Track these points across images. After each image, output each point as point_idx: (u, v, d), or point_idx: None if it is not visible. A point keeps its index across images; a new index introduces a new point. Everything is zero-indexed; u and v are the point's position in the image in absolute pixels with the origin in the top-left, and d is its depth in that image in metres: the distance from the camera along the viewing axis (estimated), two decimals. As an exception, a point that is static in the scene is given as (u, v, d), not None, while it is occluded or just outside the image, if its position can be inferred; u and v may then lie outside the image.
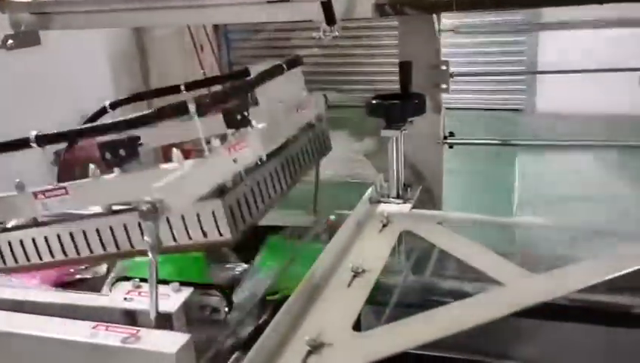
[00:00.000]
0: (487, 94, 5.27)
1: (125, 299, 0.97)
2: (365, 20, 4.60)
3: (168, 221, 0.97)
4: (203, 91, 1.41)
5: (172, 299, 0.96)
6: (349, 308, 1.00)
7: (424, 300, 1.20)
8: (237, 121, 1.04)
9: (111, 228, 1.04)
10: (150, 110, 0.97)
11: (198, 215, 0.97)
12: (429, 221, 1.33)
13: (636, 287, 1.12)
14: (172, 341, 0.85)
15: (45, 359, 0.92)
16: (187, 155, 0.98)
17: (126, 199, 1.01)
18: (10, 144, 1.05)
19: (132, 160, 1.01)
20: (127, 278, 1.02)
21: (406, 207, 1.43)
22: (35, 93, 3.50)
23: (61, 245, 1.08)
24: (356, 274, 1.11)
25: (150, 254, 0.86)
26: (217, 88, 1.32)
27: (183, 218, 0.98)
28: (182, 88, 1.44)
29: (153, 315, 0.89)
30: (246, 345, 0.98)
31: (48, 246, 1.08)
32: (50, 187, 1.04)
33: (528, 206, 3.32)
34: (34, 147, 1.02)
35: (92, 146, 1.23)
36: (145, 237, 0.85)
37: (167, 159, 1.01)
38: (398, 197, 1.47)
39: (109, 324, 0.89)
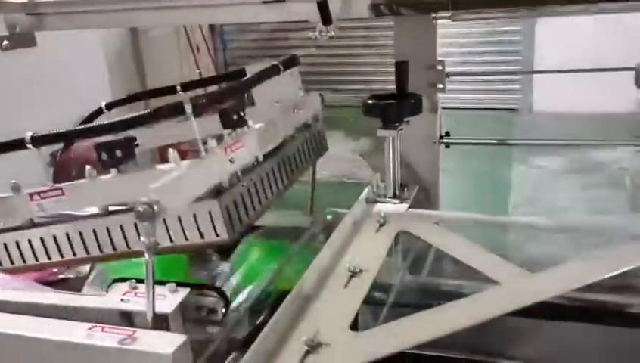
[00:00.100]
0: (483, 93, 5.29)
1: (121, 299, 0.97)
2: (360, 20, 4.61)
3: (164, 221, 0.97)
4: (199, 91, 1.41)
5: (169, 299, 0.95)
6: (347, 308, 1.00)
7: (421, 300, 1.20)
8: (233, 121, 1.04)
9: (108, 229, 1.04)
10: (146, 111, 0.96)
11: (195, 216, 0.97)
12: (426, 221, 1.33)
13: (634, 286, 1.12)
14: (169, 342, 0.85)
15: (40, 361, 0.91)
16: (183, 155, 0.98)
17: (123, 200, 1.01)
18: (6, 145, 1.05)
19: (128, 161, 1.01)
20: (123, 279, 1.01)
21: (403, 207, 1.43)
22: (31, 94, 3.49)
23: (57, 246, 1.07)
24: (353, 274, 1.11)
25: (146, 255, 0.85)
26: (213, 88, 1.31)
27: (180, 218, 0.98)
28: (178, 88, 1.44)
29: (149, 316, 0.89)
30: (243, 345, 0.98)
31: (44, 247, 1.08)
32: (46, 188, 1.03)
33: (524, 205, 3.33)
34: (30, 148, 1.02)
35: (88, 147, 1.23)
36: (142, 238, 0.84)
37: (163, 159, 1.01)
38: (394, 196, 1.47)
39: (105, 325, 0.89)
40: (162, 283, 0.97)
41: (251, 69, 1.23)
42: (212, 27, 5.91)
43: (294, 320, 0.99)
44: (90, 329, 0.88)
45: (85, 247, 1.06)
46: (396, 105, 1.43)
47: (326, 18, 1.23)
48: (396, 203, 1.45)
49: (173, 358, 0.82)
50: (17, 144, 1.03)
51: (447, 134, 1.69)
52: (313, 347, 0.90)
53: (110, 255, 1.06)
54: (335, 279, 1.10)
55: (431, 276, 1.29)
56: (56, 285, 1.34)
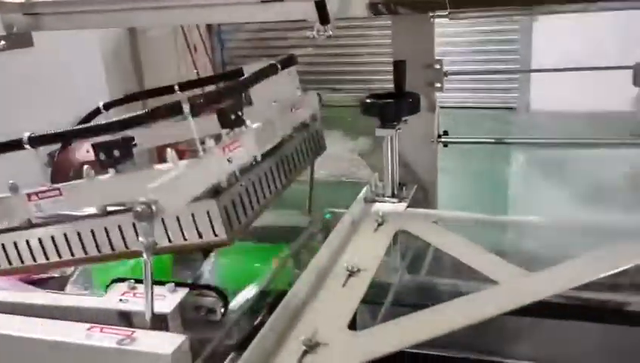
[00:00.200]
0: (481, 92, 5.29)
1: (120, 300, 0.97)
2: (358, 19, 4.61)
3: (163, 221, 0.97)
4: (197, 91, 1.41)
5: (168, 299, 0.95)
6: (345, 308, 1.00)
7: (420, 299, 1.20)
8: (231, 121, 1.04)
9: (106, 229, 1.03)
10: (144, 111, 0.96)
11: (193, 216, 0.97)
12: (424, 220, 1.33)
13: (632, 285, 1.12)
14: (168, 342, 0.85)
15: (39, 362, 0.91)
16: (181, 155, 0.98)
17: (121, 200, 1.01)
18: (3, 146, 1.04)
19: (126, 161, 1.01)
20: (122, 279, 1.01)
21: (401, 206, 1.43)
22: (28, 94, 3.48)
23: (55, 247, 1.07)
24: (351, 273, 1.11)
25: (144, 255, 0.85)
26: (211, 88, 1.31)
27: (178, 218, 0.98)
28: (176, 88, 1.43)
29: (148, 316, 0.89)
30: (241, 345, 0.98)
31: (42, 248, 1.08)
32: (43, 188, 1.03)
33: (522, 204, 3.33)
34: (27, 149, 1.01)
35: (85, 147, 1.23)
36: (140, 238, 0.84)
37: (161, 159, 1.00)
38: (393, 196, 1.47)
39: (104, 326, 0.89)
40: (161, 283, 0.97)
41: (249, 69, 1.23)
42: (209, 27, 5.90)
43: (292, 319, 0.99)
44: (89, 329, 0.88)
45: (84, 248, 1.05)
46: (394, 104, 1.43)
47: (324, 17, 1.23)
48: (394, 203, 1.45)
49: (172, 359, 0.82)
50: (15, 145, 1.02)
51: (445, 133, 1.69)
52: (311, 347, 0.90)
53: (108, 256, 1.05)
54: (333, 278, 1.10)
55: (429, 275, 1.29)
56: (40, 284, 1.33)
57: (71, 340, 0.87)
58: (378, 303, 1.14)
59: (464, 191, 3.39)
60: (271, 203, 1.14)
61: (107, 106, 1.45)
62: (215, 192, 0.97)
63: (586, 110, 4.44)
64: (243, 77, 1.15)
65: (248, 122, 1.08)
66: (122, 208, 1.02)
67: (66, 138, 1.13)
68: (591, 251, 1.09)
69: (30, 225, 1.08)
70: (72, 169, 1.37)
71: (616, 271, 1.03)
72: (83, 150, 1.36)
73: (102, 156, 0.98)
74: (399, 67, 1.47)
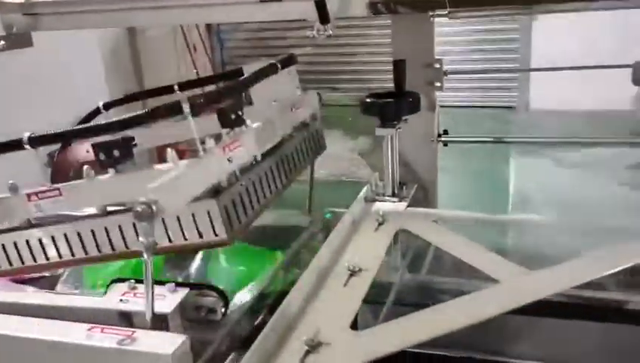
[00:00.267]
0: (480, 91, 5.29)
1: (120, 300, 0.97)
2: (358, 18, 4.60)
3: (163, 221, 0.97)
4: (197, 91, 1.40)
5: (168, 299, 0.95)
6: (347, 308, 1.00)
7: (421, 298, 1.20)
8: (231, 120, 1.04)
9: (106, 229, 1.03)
10: (144, 111, 0.96)
11: (193, 216, 0.97)
12: (424, 220, 1.33)
13: (632, 284, 1.12)
14: (169, 342, 0.85)
15: (41, 362, 0.91)
16: (181, 155, 0.97)
17: (121, 200, 1.01)
18: (3, 146, 1.04)
19: (126, 161, 1.00)
20: (122, 280, 1.01)
21: (402, 206, 1.43)
22: (28, 94, 3.48)
23: (56, 247, 1.07)
24: (353, 273, 1.11)
25: (145, 255, 0.85)
26: (211, 87, 1.31)
27: (178, 218, 0.97)
28: (176, 88, 1.43)
29: (149, 316, 0.88)
30: (242, 345, 0.98)
31: (42, 248, 1.08)
32: (43, 188, 1.03)
33: (523, 203, 3.32)
34: (27, 149, 1.01)
35: (85, 147, 1.23)
36: (140, 238, 0.84)
37: (161, 159, 1.00)
38: (393, 195, 1.47)
39: (104, 326, 0.89)
40: (161, 283, 0.97)
41: (248, 69, 1.22)
42: (208, 27, 5.90)
43: (294, 319, 0.99)
44: (89, 330, 0.88)
45: (84, 248, 1.05)
46: (394, 104, 1.43)
47: (324, 17, 1.23)
48: (394, 202, 1.45)
49: (173, 359, 0.82)
50: (15, 145, 1.02)
51: (445, 132, 1.69)
52: (313, 347, 0.90)
53: (108, 256, 1.05)
54: (335, 278, 1.10)
55: (430, 274, 1.29)
56: (30, 283, 1.33)
57: (72, 340, 0.87)
58: (379, 303, 1.13)
59: (463, 190, 3.39)
60: (272, 203, 1.14)
61: (107, 106, 1.45)
62: (215, 192, 0.97)
63: (586, 109, 4.45)
64: (243, 77, 1.15)
65: (248, 121, 1.08)
66: (122, 208, 1.02)
67: (66, 138, 1.12)
68: (592, 250, 1.09)
69: (30, 225, 1.08)
70: (72, 169, 1.37)
71: (616, 270, 1.03)
72: (83, 150, 1.35)
73: (102, 156, 0.98)
74: (398, 67, 1.47)
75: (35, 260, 1.09)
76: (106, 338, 0.86)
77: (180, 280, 1.18)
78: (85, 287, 1.25)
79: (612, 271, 1.03)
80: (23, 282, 1.31)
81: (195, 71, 5.23)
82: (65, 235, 1.06)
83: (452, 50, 5.06)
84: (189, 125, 0.95)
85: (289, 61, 1.28)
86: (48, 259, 1.08)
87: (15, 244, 1.09)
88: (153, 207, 0.82)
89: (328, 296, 1.05)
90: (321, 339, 0.91)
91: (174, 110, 0.96)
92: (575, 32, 4.48)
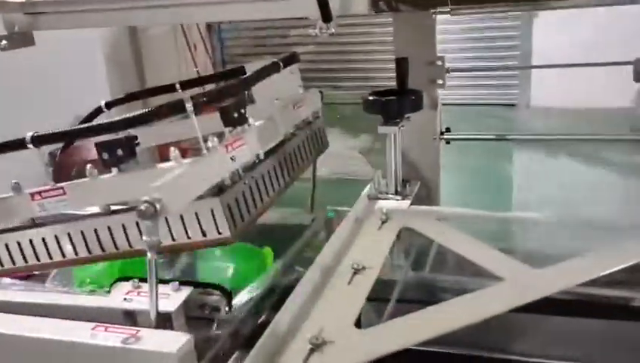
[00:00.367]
0: (481, 89, 5.29)
1: (124, 299, 0.97)
2: (359, 16, 4.59)
3: (166, 220, 0.97)
4: (199, 89, 1.40)
5: (172, 298, 0.95)
6: (351, 306, 1.00)
7: (425, 296, 1.19)
8: (234, 119, 1.04)
9: (109, 228, 1.03)
10: (147, 109, 0.96)
11: (197, 214, 0.97)
12: (428, 218, 1.32)
13: (637, 281, 1.12)
14: (173, 341, 0.85)
15: (45, 361, 0.91)
16: (183, 154, 0.97)
17: (124, 198, 1.00)
18: (6, 145, 1.04)
19: (129, 160, 1.00)
20: (126, 278, 1.01)
21: (405, 203, 1.43)
22: (30, 93, 3.49)
23: (59, 246, 1.07)
24: (356, 271, 1.11)
25: (148, 254, 0.85)
26: (213, 86, 1.30)
27: (181, 217, 0.97)
28: (178, 86, 1.43)
29: (153, 315, 0.88)
30: (246, 344, 0.98)
31: (46, 248, 1.08)
32: (47, 187, 1.03)
33: (526, 201, 3.33)
34: (30, 148, 1.01)
35: (87, 146, 1.22)
36: (144, 237, 0.84)
37: (163, 158, 1.00)
38: (396, 193, 1.46)
39: (108, 325, 0.89)
40: (165, 282, 0.97)
41: (251, 67, 1.22)
42: (209, 25, 5.90)
43: (298, 318, 0.98)
44: (93, 328, 0.88)
45: (87, 247, 1.05)
46: (397, 101, 1.42)
47: (326, 15, 1.23)
48: (398, 200, 1.44)
49: (177, 357, 0.82)
50: (18, 144, 1.02)
51: (447, 130, 1.69)
52: (318, 345, 0.90)
53: (112, 255, 1.05)
54: (338, 276, 1.10)
55: (434, 272, 1.29)
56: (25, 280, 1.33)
57: (76, 340, 0.87)
58: (383, 300, 1.13)
59: (465, 188, 3.39)
60: (275, 201, 1.14)
61: (109, 105, 1.45)
62: (218, 190, 0.97)
63: (587, 107, 4.44)
64: (245, 75, 1.15)
65: (251, 120, 1.08)
66: (125, 207, 1.02)
67: (69, 137, 1.12)
68: (596, 247, 1.09)
69: (34, 225, 1.08)
70: (74, 168, 1.37)
71: (621, 267, 1.03)
72: (85, 149, 1.35)
73: (105, 156, 0.98)
74: (401, 64, 1.46)
75: (38, 259, 1.09)
76: (110, 337, 0.86)
77: (168, 278, 1.19)
78: (73, 285, 1.25)
79: (617, 268, 1.03)
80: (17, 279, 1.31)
81: (196, 70, 5.23)
82: (69, 234, 1.06)
83: (452, 47, 5.05)
84: (192, 123, 0.95)
85: (291, 60, 1.27)
86: (51, 258, 1.08)
87: (19, 244, 1.09)
88: (157, 206, 0.82)
89: (332, 294, 1.05)
90: (326, 338, 0.91)
91: (177, 108, 0.95)
92: (576, 29, 4.48)
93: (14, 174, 1.07)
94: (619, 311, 1.12)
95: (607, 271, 1.02)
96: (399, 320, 0.95)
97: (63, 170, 1.37)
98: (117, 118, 0.97)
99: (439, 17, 1.55)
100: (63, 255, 1.07)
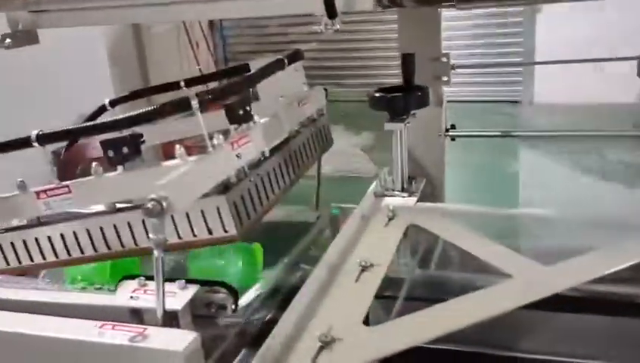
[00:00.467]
0: (484, 85, 5.27)
1: (131, 297, 0.96)
2: (362, 13, 4.58)
3: (172, 218, 0.96)
4: (204, 87, 1.39)
5: (179, 296, 0.95)
6: (359, 303, 1.00)
7: (433, 294, 1.19)
8: (239, 116, 1.03)
9: (115, 227, 1.03)
10: (152, 107, 0.95)
11: (202, 212, 0.96)
12: (435, 214, 1.32)
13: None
14: (180, 339, 0.84)
15: (52, 359, 0.91)
16: (188, 151, 0.97)
17: (130, 196, 1.00)
18: (11, 144, 1.04)
19: (134, 158, 1.00)
20: (132, 277, 1.01)
21: (411, 200, 1.42)
22: (33, 90, 3.49)
23: (65, 244, 1.07)
24: (364, 268, 1.10)
25: (155, 251, 0.85)
26: (217, 83, 1.30)
27: (187, 215, 0.97)
28: (182, 84, 1.43)
29: (160, 313, 0.88)
30: (253, 342, 0.97)
31: (52, 246, 1.07)
32: (52, 186, 1.03)
33: (531, 198, 3.32)
34: (35, 146, 1.01)
35: (91, 144, 1.22)
36: (150, 235, 0.83)
37: (167, 155, 1.00)
38: (403, 190, 1.46)
39: (116, 323, 0.88)
40: (171, 280, 0.97)
41: (255, 65, 1.22)
42: (211, 23, 5.90)
43: (306, 315, 0.98)
44: (101, 327, 0.88)
45: (93, 245, 1.05)
46: (403, 98, 1.42)
47: (331, 11, 1.22)
48: (404, 197, 1.44)
49: (184, 355, 0.82)
50: (23, 143, 1.02)
51: (453, 127, 1.68)
52: (327, 343, 0.89)
53: (118, 253, 1.05)
54: (346, 274, 1.09)
55: (442, 269, 1.28)
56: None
57: (83, 338, 0.87)
58: (390, 298, 1.12)
59: (470, 185, 3.37)
60: (280, 199, 1.14)
61: (113, 103, 1.44)
62: (224, 188, 0.97)
63: (590, 102, 4.43)
64: (250, 72, 1.14)
65: (256, 117, 1.07)
66: (131, 205, 1.01)
67: (74, 136, 1.12)
68: (605, 244, 1.08)
69: (39, 223, 1.07)
70: (78, 166, 1.37)
71: (629, 264, 1.02)
72: (90, 147, 1.35)
73: (111, 153, 0.98)
74: (407, 60, 1.45)
75: (44, 258, 1.09)
76: (117, 335, 0.86)
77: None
78: (65, 282, 1.24)
79: (624, 266, 1.02)
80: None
81: (198, 68, 5.23)
82: (74, 233, 1.05)
83: (455, 44, 5.04)
84: (197, 121, 0.95)
85: (295, 57, 1.27)
86: (57, 256, 1.08)
87: (24, 242, 1.09)
88: (164, 204, 0.82)
89: (340, 292, 1.05)
90: (335, 335, 0.91)
91: (182, 106, 0.95)
92: (579, 25, 4.47)
93: (17, 172, 1.07)
94: (627, 308, 1.12)
95: (615, 269, 1.02)
96: (408, 317, 0.95)
97: (68, 168, 1.37)
98: (122, 116, 0.97)
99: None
100: (69, 254, 1.07)
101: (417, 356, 0.90)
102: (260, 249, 1.23)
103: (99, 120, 1.38)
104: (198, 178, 0.91)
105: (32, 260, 1.10)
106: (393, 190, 1.46)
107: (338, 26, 1.23)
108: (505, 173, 3.83)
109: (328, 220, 1.46)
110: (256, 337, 0.98)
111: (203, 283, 0.99)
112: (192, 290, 0.96)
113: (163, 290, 0.88)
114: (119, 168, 0.99)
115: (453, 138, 1.68)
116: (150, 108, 0.95)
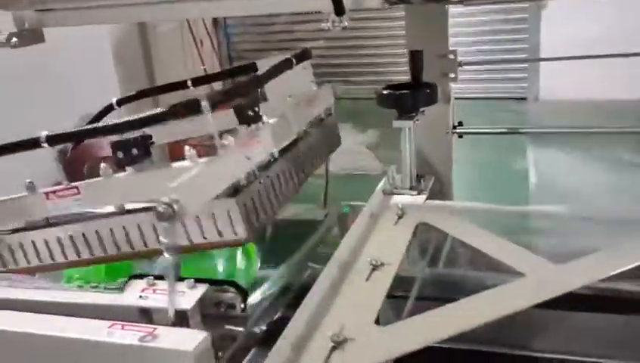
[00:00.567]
0: (489, 82, 5.26)
1: (140, 296, 0.96)
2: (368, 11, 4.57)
3: (182, 220, 0.96)
4: (212, 86, 1.39)
5: (188, 296, 0.95)
6: (370, 303, 0.99)
7: (444, 293, 1.18)
8: (249, 117, 1.03)
9: (125, 228, 1.02)
10: (161, 109, 0.95)
11: (213, 215, 0.96)
12: (445, 212, 1.31)
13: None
14: (190, 338, 0.84)
15: (61, 360, 0.91)
16: (199, 154, 0.96)
17: (140, 198, 1.00)
18: (21, 144, 1.03)
19: (144, 159, 1.00)
20: (140, 276, 1.00)
21: (421, 198, 1.41)
22: (39, 89, 3.50)
23: (74, 245, 1.06)
24: (375, 267, 1.09)
25: (166, 255, 0.84)
26: (226, 83, 1.29)
27: (197, 217, 0.96)
28: (189, 83, 1.42)
29: (171, 313, 0.88)
30: (262, 341, 0.97)
31: (61, 247, 1.07)
32: (61, 187, 1.02)
33: (540, 195, 3.31)
34: (45, 147, 1.01)
35: (98, 143, 1.21)
36: (161, 238, 0.83)
37: (174, 155, 0.99)
38: (411, 188, 1.45)
39: (125, 323, 0.88)
40: (180, 279, 0.97)
41: (262, 64, 1.21)
42: (215, 21, 5.89)
43: (317, 315, 0.97)
44: (110, 327, 0.88)
45: (103, 246, 1.05)
46: (411, 95, 1.41)
47: (339, 8, 1.21)
48: (413, 195, 1.43)
49: (194, 355, 0.82)
50: (32, 143, 1.01)
51: (460, 124, 1.67)
52: (339, 343, 0.89)
53: (127, 254, 1.05)
54: (356, 273, 1.09)
55: (453, 268, 1.28)
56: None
57: (93, 338, 0.86)
58: (400, 297, 1.12)
59: (476, 182, 3.36)
60: (290, 199, 1.13)
61: (120, 102, 1.44)
62: (234, 191, 0.96)
63: (595, 99, 4.42)
64: (258, 72, 1.14)
65: (265, 118, 1.07)
66: (141, 206, 1.01)
67: (84, 137, 1.11)
68: (617, 241, 1.07)
69: (48, 224, 1.07)
70: (85, 164, 1.37)
71: (641, 262, 1.01)
72: (97, 146, 1.35)
73: (120, 155, 0.97)
74: (415, 57, 1.44)
75: (53, 259, 1.08)
76: (127, 335, 0.86)
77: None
78: (61, 281, 1.24)
79: (639, 263, 1.01)
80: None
81: (203, 68, 5.23)
82: (83, 234, 1.05)
83: (458, 41, 5.03)
84: (206, 121, 0.94)
85: (304, 56, 1.26)
86: (66, 257, 1.08)
87: (33, 243, 1.08)
88: (175, 207, 0.81)
89: (351, 291, 1.04)
90: (347, 335, 0.90)
91: (192, 107, 0.94)
92: (584, 21, 4.45)
93: (20, 170, 1.07)
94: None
95: (629, 266, 1.00)
96: (420, 317, 0.94)
97: (74, 166, 1.37)
98: (133, 117, 0.96)
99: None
100: (78, 255, 1.07)
101: (429, 355, 0.89)
102: (253, 247, 1.22)
103: (107, 120, 1.38)
104: (209, 181, 0.90)
105: (40, 261, 1.09)
106: (402, 188, 1.45)
107: (346, 23, 1.23)
108: (513, 170, 3.82)
109: (336, 218, 1.45)
110: (266, 336, 0.97)
111: (212, 282, 0.99)
112: (201, 289, 0.96)
113: (174, 290, 0.88)
114: (129, 169, 0.99)
115: (461, 135, 1.67)
116: (160, 110, 0.95)
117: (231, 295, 0.99)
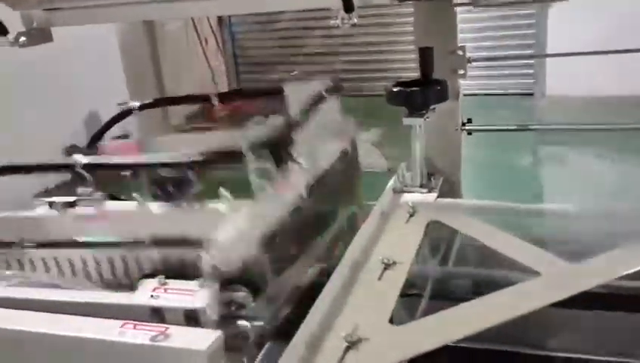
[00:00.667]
0: (496, 79, 5.24)
1: (151, 296, 0.96)
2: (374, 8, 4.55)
3: None
4: (236, 102, 1.40)
5: (199, 295, 0.94)
6: (384, 302, 0.98)
7: (457, 291, 1.17)
8: (283, 159, 1.03)
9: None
10: (204, 154, 0.99)
11: None
12: (456, 211, 1.30)
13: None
14: (203, 338, 0.84)
15: (74, 359, 0.91)
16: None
17: (171, 232, 1.01)
18: (55, 167, 1.05)
19: (181, 198, 1.01)
20: (152, 275, 1.00)
21: (431, 196, 1.40)
22: (47, 88, 3.50)
23: (98, 269, 1.07)
24: (387, 266, 1.08)
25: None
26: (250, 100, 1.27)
27: None
28: (214, 99, 1.43)
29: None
30: (277, 335, 0.97)
31: (85, 267, 1.08)
32: (92, 212, 1.03)
33: (550, 193, 3.29)
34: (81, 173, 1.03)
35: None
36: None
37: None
38: (422, 186, 1.44)
39: (137, 322, 0.88)
40: (191, 278, 0.96)
41: (291, 90, 1.21)
42: (220, 19, 5.88)
43: (331, 315, 0.96)
44: (122, 326, 0.88)
45: (128, 274, 1.05)
46: (421, 92, 1.39)
47: (348, 5, 1.20)
48: (424, 193, 1.41)
49: (207, 354, 0.82)
50: (67, 167, 1.03)
51: (469, 121, 1.66)
52: (353, 342, 0.88)
53: None
54: (368, 272, 1.08)
55: (466, 267, 1.26)
56: None
57: (105, 337, 0.87)
58: (413, 296, 1.11)
59: (486, 179, 3.34)
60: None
61: (141, 107, 1.46)
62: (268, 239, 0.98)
63: (602, 95, 4.40)
64: (287, 100, 1.14)
65: (297, 158, 1.07)
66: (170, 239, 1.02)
67: (121, 169, 1.11)
68: (631, 239, 1.06)
69: (75, 244, 1.08)
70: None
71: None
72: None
73: (160, 191, 0.99)
74: (425, 54, 1.43)
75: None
76: (139, 334, 0.86)
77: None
78: None
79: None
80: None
81: (208, 66, 5.23)
82: (109, 259, 1.06)
83: (463, 37, 5.01)
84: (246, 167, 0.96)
85: (335, 89, 1.26)
86: (90, 279, 1.08)
87: (55, 259, 1.08)
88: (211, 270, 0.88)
89: (364, 291, 1.03)
90: (361, 335, 0.89)
91: (234, 157, 0.97)
92: (591, 17, 4.43)
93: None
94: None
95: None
96: (435, 316, 0.94)
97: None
98: (174, 158, 1.01)
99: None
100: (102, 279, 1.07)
101: (444, 354, 0.88)
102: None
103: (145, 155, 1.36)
104: (247, 239, 0.94)
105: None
106: (412, 186, 1.44)
107: (355, 20, 1.22)
108: (522, 167, 3.80)
109: (346, 216, 1.44)
110: (277, 334, 0.97)
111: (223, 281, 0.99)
112: (212, 288, 0.96)
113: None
114: (165, 204, 1.01)
115: (470, 132, 1.65)
116: (201, 156, 0.99)
117: (242, 294, 0.99)
